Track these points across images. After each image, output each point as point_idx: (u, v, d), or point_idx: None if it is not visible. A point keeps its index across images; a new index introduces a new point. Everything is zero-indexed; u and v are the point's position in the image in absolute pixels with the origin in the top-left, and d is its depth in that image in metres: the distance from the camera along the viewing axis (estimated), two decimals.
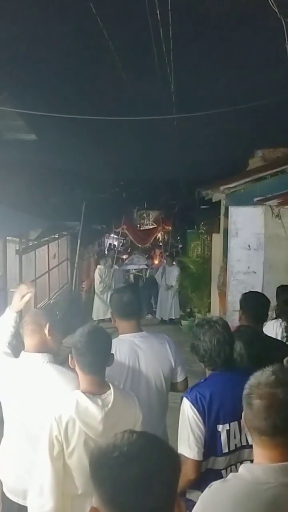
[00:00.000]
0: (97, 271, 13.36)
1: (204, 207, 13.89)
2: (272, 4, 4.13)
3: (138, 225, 28.04)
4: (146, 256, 17.80)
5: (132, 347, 3.21)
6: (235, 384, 2.52)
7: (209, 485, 1.73)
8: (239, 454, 2.63)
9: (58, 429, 2.29)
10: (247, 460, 2.65)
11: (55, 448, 2.29)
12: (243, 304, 3.79)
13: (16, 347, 3.30)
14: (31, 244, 9.50)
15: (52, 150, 11.62)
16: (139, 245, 20.71)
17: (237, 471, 2.49)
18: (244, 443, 2.63)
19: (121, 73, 7.24)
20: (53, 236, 11.53)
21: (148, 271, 15.88)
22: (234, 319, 7.60)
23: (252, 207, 7.97)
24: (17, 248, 8.80)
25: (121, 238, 23.63)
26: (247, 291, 4.25)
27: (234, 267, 8.24)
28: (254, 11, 5.17)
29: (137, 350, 3.21)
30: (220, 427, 2.60)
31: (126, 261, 16.44)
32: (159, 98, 8.26)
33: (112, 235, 21.76)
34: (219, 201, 10.27)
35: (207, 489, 1.73)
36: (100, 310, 12.96)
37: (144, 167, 14.91)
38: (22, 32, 6.53)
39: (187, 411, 2.60)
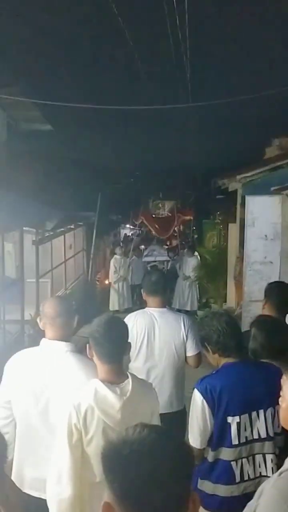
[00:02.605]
0: (112, 260, 13.37)
1: (220, 196, 13.79)
2: None
3: (153, 215, 27.98)
4: (167, 247, 17.66)
5: (151, 319, 3.78)
6: (247, 377, 2.66)
7: (278, 472, 1.64)
8: (250, 447, 2.65)
9: (77, 417, 2.30)
10: (258, 454, 2.66)
11: (74, 436, 2.31)
12: (267, 293, 3.79)
13: (33, 336, 3.30)
14: (47, 234, 9.55)
15: (67, 140, 11.63)
16: (160, 237, 20.54)
17: (249, 465, 2.61)
18: (256, 437, 2.65)
19: (137, 62, 7.19)
20: (69, 226, 11.57)
21: (170, 263, 15.76)
22: (251, 309, 7.58)
23: (269, 196, 7.88)
24: (34, 239, 8.85)
25: (138, 228, 23.58)
26: (266, 281, 4.23)
27: (250, 257, 8.18)
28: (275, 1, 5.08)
29: (154, 322, 3.77)
30: (230, 419, 2.62)
31: (146, 252, 16.35)
32: (175, 86, 8.20)
33: (128, 225, 21.74)
34: (235, 191, 10.19)
35: (276, 476, 1.64)
36: (115, 301, 12.98)
37: (160, 157, 14.84)
38: (37, 23, 6.52)
39: (197, 401, 2.66)
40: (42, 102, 8.38)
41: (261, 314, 3.59)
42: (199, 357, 3.80)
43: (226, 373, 2.72)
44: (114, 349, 2.45)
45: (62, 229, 10.74)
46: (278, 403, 2.33)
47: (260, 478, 2.59)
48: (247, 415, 2.63)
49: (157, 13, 5.73)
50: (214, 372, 2.77)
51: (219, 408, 2.60)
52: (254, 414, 2.64)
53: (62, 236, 11.38)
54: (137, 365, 3.74)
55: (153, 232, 20.86)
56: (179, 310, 13.46)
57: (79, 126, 10.35)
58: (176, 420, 3.64)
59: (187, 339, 3.79)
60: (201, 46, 6.75)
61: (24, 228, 8.16)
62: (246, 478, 2.62)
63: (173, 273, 14.60)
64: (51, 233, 9.74)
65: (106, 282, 14.32)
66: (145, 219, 18.79)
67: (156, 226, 20.53)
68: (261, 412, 2.64)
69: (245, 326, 4.65)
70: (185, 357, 3.82)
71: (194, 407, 2.68)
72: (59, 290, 11.08)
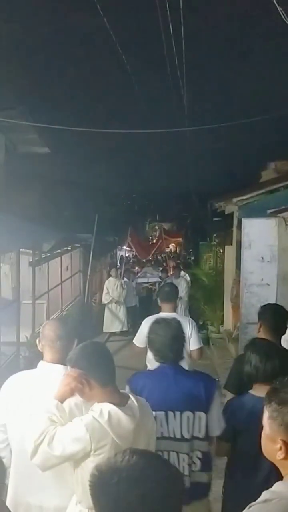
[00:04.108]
0: (106, 282, 13.36)
1: (216, 219, 13.86)
2: (285, 18, 4.15)
3: (150, 237, 28.08)
4: (161, 268, 17.69)
5: None
6: (170, 381, 2.94)
7: (248, 506, 1.64)
8: (166, 443, 2.86)
9: (90, 441, 2.26)
10: (173, 451, 2.87)
11: (79, 454, 2.28)
12: (261, 316, 3.76)
13: (29, 358, 3.28)
14: (44, 256, 9.55)
15: (65, 163, 11.72)
16: (141, 258, 20.67)
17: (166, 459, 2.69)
18: (171, 435, 2.88)
19: (134, 87, 7.30)
20: (66, 248, 11.58)
21: (161, 284, 15.75)
22: (248, 332, 7.56)
23: (265, 219, 7.94)
24: (30, 260, 8.85)
25: (132, 250, 23.68)
26: (263, 303, 4.21)
27: (247, 279, 8.19)
28: (270, 25, 5.19)
29: None
30: None
31: (139, 274, 16.35)
32: (172, 111, 8.31)
33: (124, 247, 21.81)
34: (232, 213, 10.25)
35: (246, 510, 1.63)
36: (108, 323, 12.88)
37: (156, 180, 14.97)
38: (37, 48, 6.64)
39: (127, 391, 2.85)
40: (40, 126, 8.49)
41: (255, 337, 3.56)
42: (200, 351, 4.91)
43: (153, 374, 3.11)
44: (111, 367, 2.48)
45: (59, 250, 10.75)
46: (199, 410, 2.85)
47: None
48: (163, 412, 2.87)
49: (154, 39, 5.85)
50: (145, 371, 3.24)
51: None
52: (170, 413, 2.89)
53: (59, 258, 11.38)
54: (151, 357, 4.06)
55: (137, 254, 20.95)
56: None
57: (77, 149, 10.46)
58: None
59: (191, 336, 4.69)
60: (198, 71, 6.88)
61: (21, 249, 8.16)
62: None
63: None
64: (48, 254, 9.74)
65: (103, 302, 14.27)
66: (131, 241, 18.87)
67: (140, 247, 20.62)
68: (177, 413, 2.89)
69: (242, 348, 4.63)
70: (189, 350, 4.64)
71: None
72: (55, 312, 11.04)
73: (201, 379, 3.05)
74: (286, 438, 1.65)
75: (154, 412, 2.77)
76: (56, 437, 2.28)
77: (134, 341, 4.98)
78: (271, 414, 1.71)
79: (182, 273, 13.78)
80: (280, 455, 1.67)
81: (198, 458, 2.91)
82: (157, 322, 3.25)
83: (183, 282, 13.28)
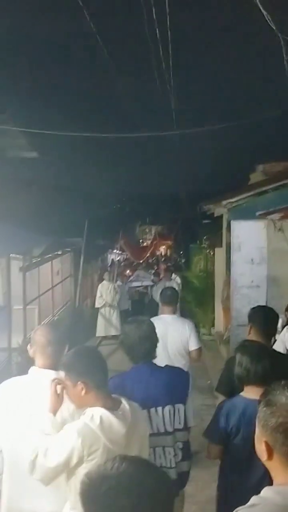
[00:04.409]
0: (99, 286, 13.34)
1: (206, 221, 13.91)
2: (270, 22, 4.19)
3: (141, 240, 28.08)
4: (153, 272, 17.69)
5: (165, 323, 4.93)
6: (147, 378, 3.06)
7: (235, 511, 1.64)
8: (151, 440, 2.85)
9: (81, 447, 2.26)
10: (158, 447, 2.97)
11: (72, 461, 2.28)
12: (251, 319, 3.78)
13: (21, 364, 3.29)
14: (34, 261, 9.52)
15: (53, 167, 11.72)
16: (136, 260, 20.69)
17: (149, 457, 2.78)
18: (155, 431, 2.98)
19: (122, 91, 7.33)
20: (56, 252, 11.55)
21: (154, 287, 15.75)
22: (239, 334, 7.59)
23: (255, 221, 7.99)
24: (21, 265, 8.81)
25: (124, 253, 23.65)
26: (254, 305, 4.23)
27: (237, 281, 8.23)
28: (254, 29, 5.24)
29: (167, 325, 4.96)
30: None
31: (131, 278, 16.35)
32: (160, 114, 8.35)
33: (114, 250, 21.81)
34: (221, 216, 10.30)
35: None
36: (101, 327, 12.85)
37: (146, 183, 15.00)
38: (22, 53, 6.64)
39: None
40: (28, 131, 8.48)
41: (245, 339, 3.59)
42: (199, 351, 5.25)
43: (130, 374, 3.15)
44: (105, 371, 2.51)
45: (49, 255, 10.72)
46: (178, 402, 3.03)
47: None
48: (145, 411, 2.90)
49: (142, 44, 5.88)
50: (123, 372, 3.19)
51: None
52: (152, 410, 2.99)
53: (50, 262, 11.35)
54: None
55: (131, 256, 20.96)
56: None
57: (65, 154, 10.46)
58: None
59: (190, 337, 5.09)
60: (186, 75, 6.92)
61: (11, 254, 8.13)
62: None
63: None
64: (38, 259, 9.71)
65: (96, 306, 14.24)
66: (123, 243, 18.88)
67: (133, 249, 20.64)
68: (159, 409, 3.01)
69: (233, 350, 4.66)
70: (189, 351, 5.08)
71: None
72: (47, 317, 11.00)
73: (176, 373, 3.26)
74: (268, 440, 1.66)
75: None
76: (49, 449, 2.30)
77: None
78: (258, 415, 1.73)
79: (173, 275, 13.82)
80: (263, 456, 1.68)
81: (180, 448, 3.06)
82: (128, 322, 3.38)
83: (174, 285, 13.28)
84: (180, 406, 3.06)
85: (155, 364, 3.22)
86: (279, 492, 1.61)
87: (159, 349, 4.26)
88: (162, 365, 3.45)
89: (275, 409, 1.66)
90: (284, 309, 6.12)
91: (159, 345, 4.23)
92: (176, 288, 13.04)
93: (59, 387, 2.52)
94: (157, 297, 13.22)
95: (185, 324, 5.22)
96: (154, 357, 3.22)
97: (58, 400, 2.53)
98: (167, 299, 5.36)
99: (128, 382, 3.05)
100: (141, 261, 20.89)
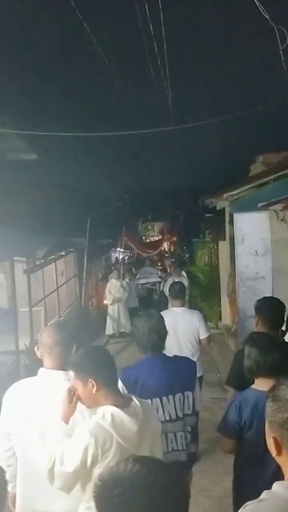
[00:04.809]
0: (108, 284, 13.40)
1: (208, 215, 13.89)
2: (264, 12, 4.17)
3: (144, 237, 28.06)
4: (160, 268, 17.64)
5: (175, 315, 5.39)
6: (158, 369, 3.22)
7: (244, 505, 1.62)
8: (163, 426, 2.99)
9: (95, 446, 2.25)
10: (170, 432, 3.15)
11: (87, 461, 2.26)
12: (258, 310, 3.77)
13: (29, 366, 3.30)
14: (38, 263, 9.52)
15: (53, 168, 11.71)
16: (144, 254, 20.55)
17: (162, 442, 2.87)
18: (167, 418, 3.16)
19: (120, 90, 7.31)
20: (59, 253, 11.56)
21: (162, 283, 15.73)
22: (246, 326, 7.58)
23: (257, 212, 7.95)
24: (25, 268, 8.82)
25: (128, 251, 23.60)
26: (260, 297, 4.21)
27: (242, 273, 8.20)
28: (250, 20, 5.21)
29: (177, 317, 5.39)
30: None
31: (139, 275, 16.32)
32: (157, 111, 8.32)
33: (118, 249, 21.80)
34: (223, 209, 10.27)
35: (241, 509, 1.62)
36: (110, 325, 12.89)
37: (147, 180, 14.99)
38: (22, 56, 6.63)
39: (120, 386, 3.01)
40: (27, 133, 8.46)
41: (253, 332, 3.57)
42: (208, 339, 5.69)
43: (142, 365, 3.31)
44: (114, 369, 2.52)
45: (53, 256, 10.72)
46: (187, 390, 3.20)
47: (172, 452, 3.15)
48: (158, 399, 3.15)
49: (137, 41, 5.85)
50: (134, 364, 3.39)
51: (134, 392, 2.99)
52: (164, 399, 3.17)
53: (53, 263, 11.36)
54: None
55: (138, 251, 20.75)
56: None
57: (64, 154, 10.44)
58: (199, 382, 4.57)
59: (199, 327, 5.49)
60: (182, 69, 6.89)
61: (14, 257, 8.13)
62: None
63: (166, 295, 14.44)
64: (42, 261, 9.72)
65: (101, 304, 14.25)
66: (127, 239, 18.77)
67: (140, 244, 20.41)
68: (171, 397, 3.18)
69: (241, 343, 4.65)
70: (199, 339, 5.49)
71: None
72: (53, 318, 11.01)
73: (184, 362, 3.44)
74: (276, 435, 1.64)
75: (150, 400, 3.07)
76: (65, 455, 2.29)
77: None
78: (266, 411, 1.70)
79: (183, 273, 13.84)
80: (273, 452, 1.66)
81: (188, 432, 3.26)
82: (138, 316, 3.53)
83: (184, 281, 13.29)
84: (189, 394, 3.24)
85: (165, 355, 3.38)
86: None
87: (171, 339, 4.68)
88: (173, 354, 3.63)
89: (281, 404, 1.64)
90: None
91: (171, 335, 4.60)
92: (186, 284, 13.17)
93: (71, 395, 2.50)
94: (167, 291, 13.31)
95: (194, 314, 5.68)
96: (163, 348, 3.38)
97: (70, 408, 2.51)
98: (176, 293, 5.80)
99: (141, 373, 3.22)
100: (150, 255, 20.69)
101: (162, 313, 4.78)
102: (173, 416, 3.19)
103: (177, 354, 4.74)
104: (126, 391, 3.09)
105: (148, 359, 3.33)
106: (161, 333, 3.36)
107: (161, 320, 3.42)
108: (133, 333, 3.47)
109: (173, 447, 3.19)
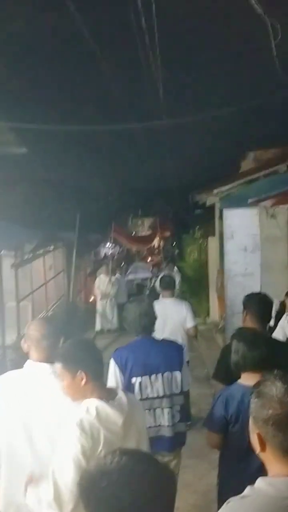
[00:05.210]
0: (97, 280, 13.34)
1: (198, 211, 13.89)
2: (257, 3, 4.14)
3: (134, 233, 28.01)
4: (152, 264, 17.64)
5: (164, 305, 5.92)
6: (147, 349, 3.52)
7: (227, 501, 1.62)
8: (151, 402, 3.44)
9: (85, 437, 2.23)
10: (158, 408, 3.45)
11: (86, 455, 2.22)
12: (247, 306, 3.76)
13: (15, 361, 3.28)
14: (26, 257, 9.46)
15: (43, 162, 11.60)
16: (134, 249, 20.47)
17: (150, 416, 3.38)
18: (155, 395, 3.46)
19: (110, 83, 7.25)
20: (48, 247, 11.50)
21: (154, 279, 15.73)
22: (234, 322, 7.59)
23: (247, 208, 7.96)
24: (13, 262, 8.76)
25: (117, 246, 23.55)
26: (247, 293, 4.21)
27: (231, 269, 8.22)
28: (241, 13, 5.18)
29: (166, 307, 5.87)
30: (133, 380, 3.45)
31: (130, 270, 16.28)
32: (148, 106, 8.27)
33: (108, 244, 21.75)
34: (213, 205, 10.28)
35: (224, 505, 1.61)
36: (98, 321, 12.84)
37: (137, 175, 14.92)
38: (8, 46, 6.54)
39: (111, 366, 3.47)
40: (16, 126, 8.37)
41: (241, 327, 3.58)
42: (195, 328, 6.25)
43: (133, 345, 3.61)
44: (100, 362, 2.52)
45: (41, 250, 10.66)
46: (175, 370, 3.48)
47: (159, 427, 3.46)
48: (147, 376, 3.44)
49: (128, 33, 5.80)
50: (126, 345, 3.67)
51: (125, 371, 3.44)
52: (153, 376, 3.45)
53: (42, 258, 11.29)
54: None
55: (127, 245, 20.59)
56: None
57: (55, 148, 10.36)
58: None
59: (186, 316, 6.01)
60: (172, 62, 6.84)
61: (2, 251, 8.07)
62: (148, 426, 3.14)
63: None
64: (30, 255, 9.65)
65: (90, 300, 14.20)
66: (118, 236, 18.69)
67: (130, 238, 20.30)
68: (159, 375, 3.46)
69: (229, 338, 4.66)
70: (186, 328, 6.03)
71: (110, 369, 3.43)
72: (41, 313, 10.96)
73: (173, 345, 3.73)
74: (261, 431, 1.63)
75: (140, 377, 3.43)
76: (61, 465, 2.22)
77: None
78: (251, 407, 1.70)
79: (175, 268, 13.92)
80: (257, 448, 1.66)
81: (178, 411, 3.52)
82: (130, 301, 3.90)
83: (177, 277, 13.34)
84: (177, 373, 3.51)
85: (154, 337, 3.69)
86: (272, 484, 1.58)
87: (160, 327, 5.17)
88: (162, 336, 4.04)
89: (265, 400, 1.63)
90: (285, 294, 6.09)
91: (160, 322, 5.21)
92: (178, 279, 13.23)
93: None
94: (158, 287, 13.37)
95: (182, 305, 6.22)
96: (153, 331, 3.68)
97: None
98: (166, 284, 6.31)
99: (132, 353, 3.51)
100: (145, 248, 20.56)
101: (155, 302, 5.33)
102: (161, 394, 3.46)
103: (170, 336, 5.20)
104: (118, 370, 3.45)
105: (138, 340, 3.60)
106: (151, 317, 3.63)
107: (151, 305, 3.73)
108: (125, 318, 3.70)
109: (160, 422, 3.47)
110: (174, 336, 5.51)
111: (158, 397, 3.46)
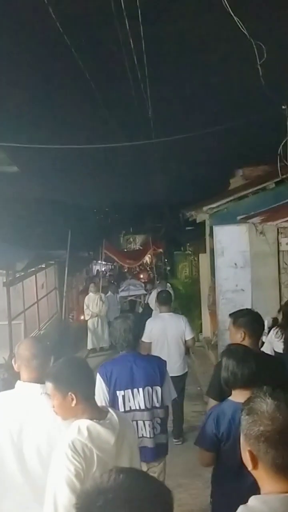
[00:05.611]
0: (86, 298, 13.23)
1: (189, 228, 13.95)
2: (242, 28, 4.25)
3: (125, 250, 28.04)
4: (144, 282, 17.60)
5: (163, 320, 6.22)
6: (130, 364, 3.66)
7: None
8: (133, 414, 3.59)
9: (78, 457, 2.20)
10: (140, 420, 3.60)
11: (80, 475, 2.18)
12: (244, 324, 3.63)
13: (8, 380, 3.26)
14: (18, 275, 9.44)
15: (34, 180, 11.67)
16: (125, 265, 20.41)
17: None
18: (137, 407, 3.62)
19: (100, 103, 7.35)
20: (40, 266, 11.48)
21: (147, 296, 15.69)
22: (226, 338, 7.58)
23: (236, 225, 8.04)
24: (4, 280, 8.73)
25: (109, 263, 23.54)
26: (239, 309, 4.21)
27: (222, 286, 8.25)
28: (229, 36, 5.30)
29: (165, 321, 6.17)
30: (118, 393, 3.61)
31: (122, 287, 16.24)
32: (137, 125, 8.38)
33: (99, 261, 21.75)
34: (204, 222, 10.34)
35: None
36: (90, 339, 12.72)
37: (128, 193, 15.01)
38: (2, 70, 6.62)
39: (98, 380, 3.59)
40: (8, 145, 8.43)
41: (230, 344, 3.56)
42: (193, 339, 6.57)
43: (117, 360, 3.78)
44: (92, 381, 2.55)
45: (33, 268, 10.64)
46: (156, 385, 3.63)
47: (142, 438, 3.60)
48: (129, 390, 3.61)
49: (116, 56, 5.91)
50: (111, 360, 3.87)
51: (110, 384, 3.60)
52: (135, 390, 3.61)
53: (34, 276, 11.27)
54: (156, 349, 5.83)
55: (119, 262, 20.47)
56: None
57: (46, 167, 10.43)
58: (183, 378, 6.27)
59: (185, 329, 6.20)
60: (161, 82, 6.96)
61: None
62: None
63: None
64: (22, 273, 9.64)
65: (81, 318, 14.12)
66: (109, 252, 18.62)
67: (121, 255, 20.24)
68: (140, 389, 3.62)
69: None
70: (185, 340, 6.20)
71: (96, 383, 3.47)
72: (33, 331, 10.90)
73: (154, 361, 3.85)
74: (252, 449, 1.62)
75: (123, 391, 3.61)
76: (56, 488, 2.19)
77: (142, 339, 5.89)
78: (242, 424, 1.69)
79: (168, 285, 13.86)
80: (249, 465, 1.65)
81: (158, 423, 3.70)
82: (115, 318, 4.04)
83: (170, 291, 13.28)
84: (157, 388, 3.66)
85: (139, 353, 3.89)
86: (266, 502, 1.57)
87: (161, 341, 6.06)
88: (163, 354, 4.38)
89: (256, 417, 1.62)
90: (277, 310, 6.12)
91: (161, 337, 5.99)
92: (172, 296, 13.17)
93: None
94: (152, 303, 13.30)
95: (180, 318, 6.41)
96: (137, 346, 3.88)
97: None
98: (163, 299, 6.49)
99: (116, 368, 3.68)
100: (134, 266, 20.47)
101: (152, 318, 6.28)
102: (142, 407, 3.62)
103: (167, 354, 5.65)
104: (104, 384, 3.60)
105: (123, 355, 3.76)
106: (135, 333, 3.79)
107: (136, 321, 3.85)
108: (111, 334, 3.93)
109: (143, 434, 3.64)
110: (174, 349, 6.07)
111: (139, 410, 3.62)
